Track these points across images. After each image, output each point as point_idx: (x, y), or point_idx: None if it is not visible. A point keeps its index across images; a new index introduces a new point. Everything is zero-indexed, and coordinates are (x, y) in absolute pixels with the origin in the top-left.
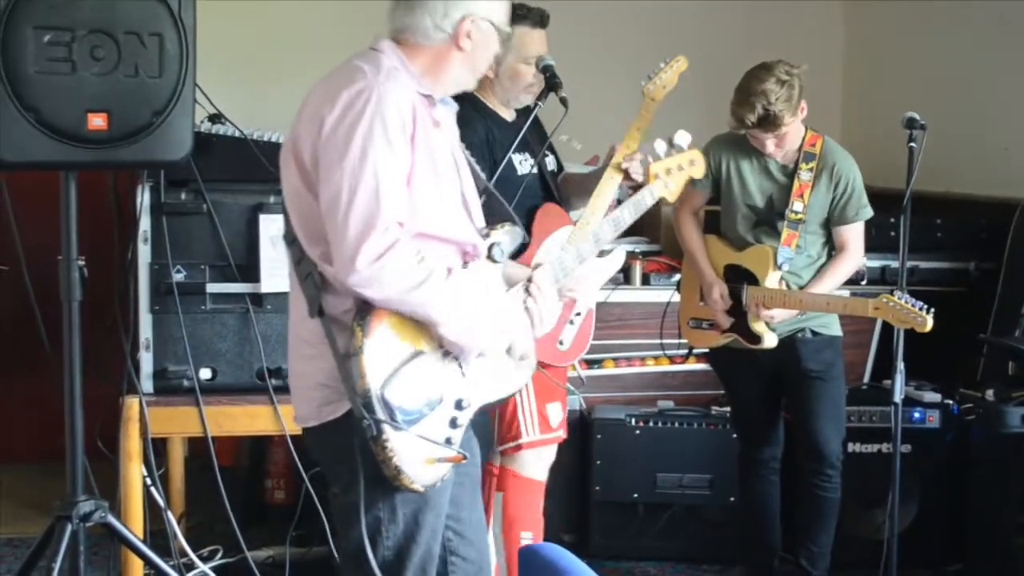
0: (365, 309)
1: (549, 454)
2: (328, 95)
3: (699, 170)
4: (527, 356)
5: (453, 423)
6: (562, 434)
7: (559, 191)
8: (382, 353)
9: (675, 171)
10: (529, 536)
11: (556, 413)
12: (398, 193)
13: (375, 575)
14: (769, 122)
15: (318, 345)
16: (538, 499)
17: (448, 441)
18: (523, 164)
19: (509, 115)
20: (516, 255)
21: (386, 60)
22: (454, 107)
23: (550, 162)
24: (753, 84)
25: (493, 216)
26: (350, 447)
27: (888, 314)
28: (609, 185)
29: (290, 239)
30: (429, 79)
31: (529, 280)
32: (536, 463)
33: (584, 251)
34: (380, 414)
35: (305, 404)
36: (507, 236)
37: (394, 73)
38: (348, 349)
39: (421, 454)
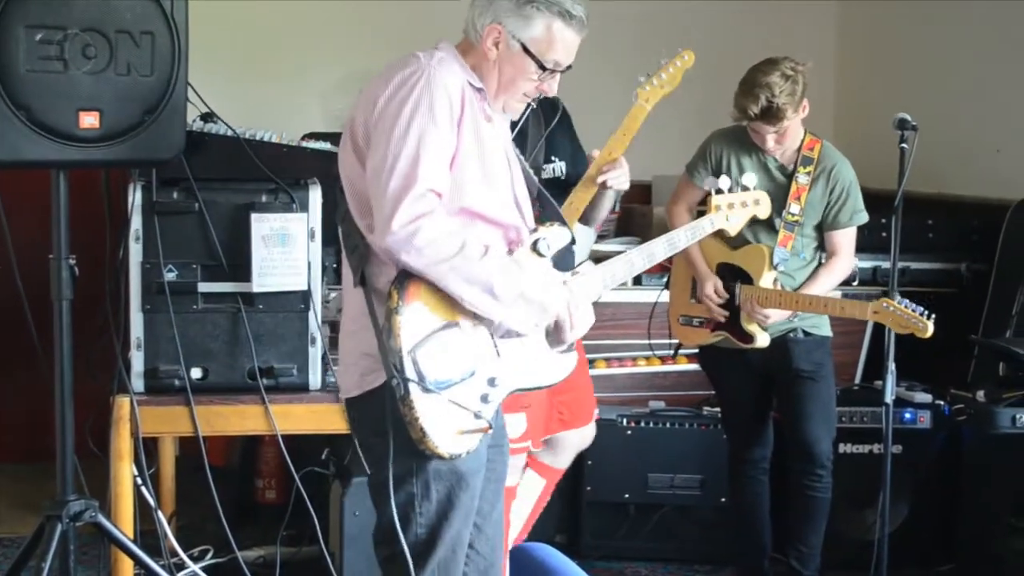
0: (404, 278)
1: (517, 461)
2: (383, 78)
3: (764, 211)
4: (564, 345)
5: (484, 399)
6: (526, 446)
7: (558, 199)
8: (417, 317)
9: (738, 207)
10: None
11: (515, 424)
12: (438, 164)
13: (404, 551)
14: (772, 115)
15: (361, 318)
16: (506, 504)
17: (477, 415)
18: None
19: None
20: (563, 261)
21: (440, 52)
22: (509, 115)
23: (555, 169)
24: (758, 76)
25: (544, 218)
26: (386, 416)
27: (888, 319)
28: (580, 197)
29: (342, 216)
30: (478, 78)
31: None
32: None
33: (618, 275)
34: (410, 374)
35: (349, 376)
36: (554, 234)
37: (446, 61)
38: (386, 309)
39: (449, 420)
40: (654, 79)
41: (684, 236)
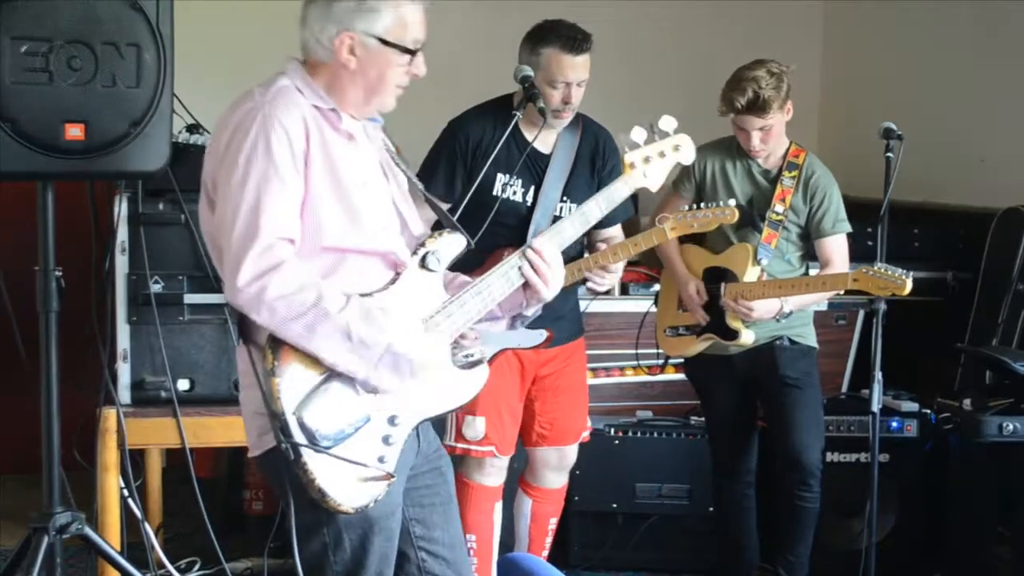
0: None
1: (497, 462)
2: (223, 123)
3: (687, 155)
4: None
5: (386, 440)
6: (488, 451)
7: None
8: (297, 375)
9: (655, 158)
10: (472, 539)
11: (474, 427)
12: (282, 210)
13: None
14: (758, 107)
15: (249, 374)
16: (483, 503)
17: (381, 459)
18: (507, 189)
19: (538, 137)
20: (466, 264)
21: (283, 80)
22: (380, 122)
23: (564, 209)
24: (745, 72)
25: (437, 224)
26: (283, 478)
27: (867, 284)
28: (574, 270)
29: (215, 273)
30: (334, 97)
31: (526, 247)
32: (475, 468)
33: (588, 216)
34: (299, 437)
35: (249, 433)
36: (444, 243)
37: (285, 92)
38: (263, 370)
39: (347, 475)
40: (690, 215)
41: (596, 207)
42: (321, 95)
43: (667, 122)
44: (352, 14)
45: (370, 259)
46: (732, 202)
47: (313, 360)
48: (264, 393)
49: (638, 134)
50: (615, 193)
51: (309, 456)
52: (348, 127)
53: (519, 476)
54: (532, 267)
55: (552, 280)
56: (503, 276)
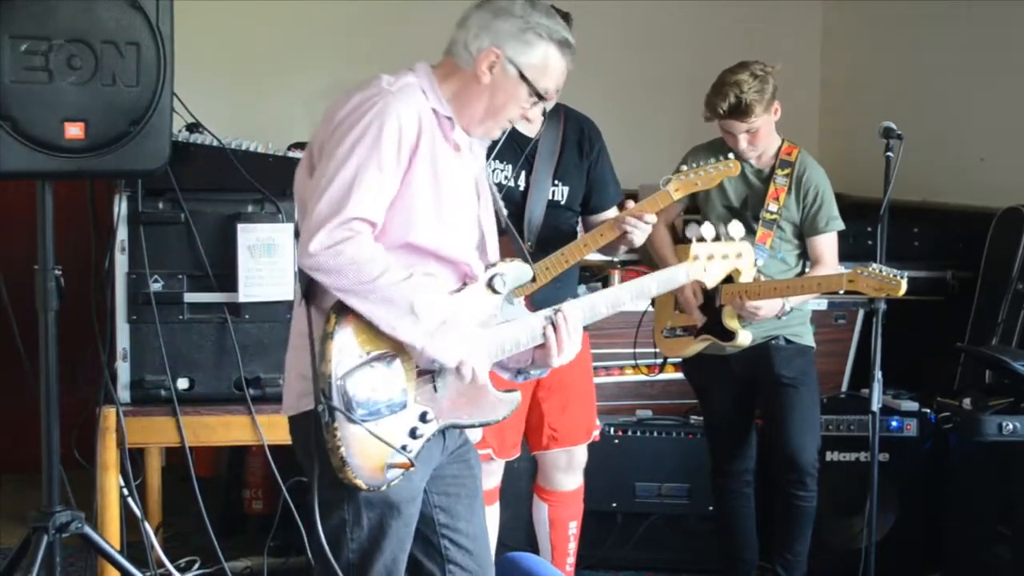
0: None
1: (487, 467)
2: (345, 96)
3: (746, 263)
4: (475, 379)
5: (413, 433)
6: (485, 453)
7: (555, 223)
8: (351, 345)
9: (718, 259)
10: None
11: (471, 431)
12: (372, 197)
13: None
14: (740, 111)
15: (301, 337)
16: None
17: (404, 448)
18: (497, 174)
19: (527, 127)
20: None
21: (410, 77)
22: (487, 140)
23: (556, 192)
24: (727, 76)
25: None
26: (311, 441)
27: (862, 284)
28: (594, 240)
29: (296, 232)
30: (455, 107)
31: (556, 310)
32: None
33: (619, 302)
34: (337, 402)
35: (288, 393)
36: (513, 269)
37: (410, 88)
38: (322, 332)
39: (371, 451)
40: (691, 173)
41: (654, 285)
42: (442, 101)
43: (735, 229)
44: (508, 36)
45: (445, 266)
46: (731, 155)
47: (370, 336)
48: (315, 355)
49: (708, 230)
50: (674, 276)
51: (341, 423)
52: (458, 138)
53: (533, 483)
54: (555, 328)
55: (567, 350)
56: (530, 329)
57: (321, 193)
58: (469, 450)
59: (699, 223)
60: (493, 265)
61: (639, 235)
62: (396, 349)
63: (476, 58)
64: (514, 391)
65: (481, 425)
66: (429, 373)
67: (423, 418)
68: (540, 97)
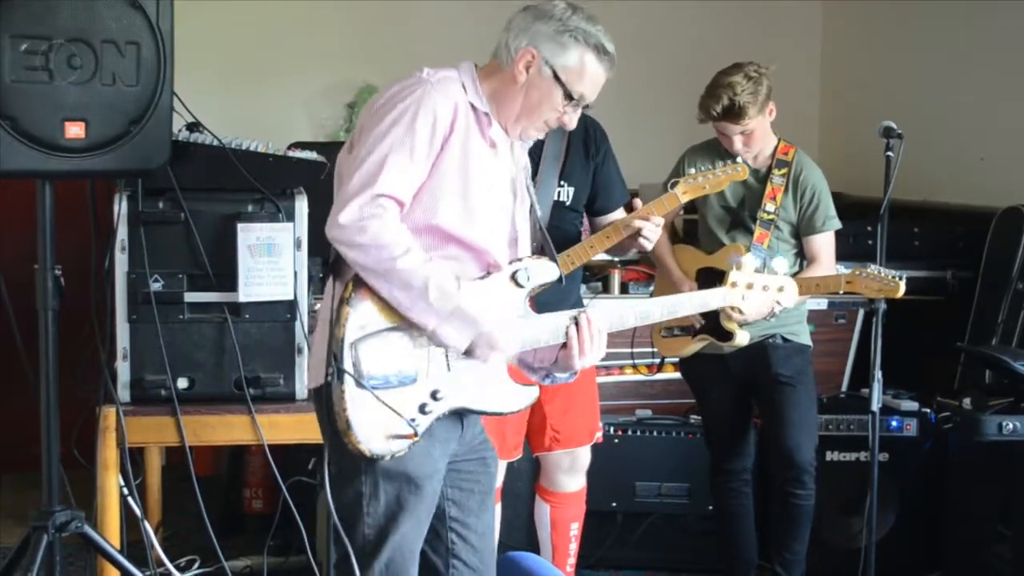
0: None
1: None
2: (386, 87)
3: (788, 298)
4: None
5: (422, 408)
6: None
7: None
8: (367, 312)
9: (758, 290)
10: None
11: None
12: (400, 177)
13: (349, 550)
14: (734, 113)
15: (329, 308)
16: None
17: (412, 421)
18: None
19: None
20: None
21: (451, 71)
22: (528, 143)
23: (561, 193)
24: (721, 78)
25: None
26: (324, 409)
27: (861, 285)
28: (601, 242)
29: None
30: (494, 104)
31: (582, 311)
32: None
33: (648, 315)
34: (347, 365)
35: (315, 365)
36: (538, 266)
37: (449, 80)
38: (339, 298)
39: (378, 420)
40: (699, 177)
41: (687, 305)
42: (482, 98)
43: (780, 264)
44: (545, 38)
45: (467, 253)
46: (739, 159)
47: (387, 308)
48: (331, 320)
49: (751, 261)
50: (708, 301)
51: (349, 386)
52: (494, 135)
53: (535, 483)
54: (578, 330)
55: (589, 352)
56: (553, 327)
57: (357, 168)
58: (488, 448)
59: (740, 252)
60: (519, 260)
61: (651, 239)
62: (411, 325)
63: (514, 57)
64: (532, 386)
65: (493, 414)
66: (443, 352)
67: (434, 395)
68: (572, 100)
